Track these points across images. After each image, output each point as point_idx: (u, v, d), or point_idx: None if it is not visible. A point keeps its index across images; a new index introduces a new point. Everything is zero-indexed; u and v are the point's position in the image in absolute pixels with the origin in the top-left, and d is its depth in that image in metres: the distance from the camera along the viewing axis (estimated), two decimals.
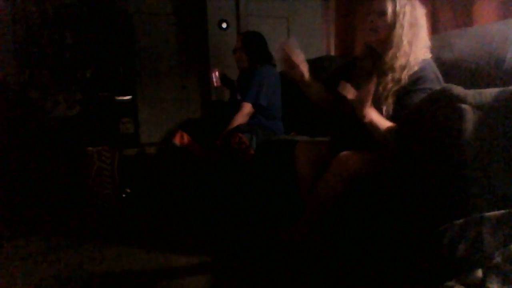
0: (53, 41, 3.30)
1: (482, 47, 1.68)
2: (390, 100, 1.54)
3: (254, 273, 1.62)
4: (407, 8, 1.56)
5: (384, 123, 1.49)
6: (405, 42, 1.56)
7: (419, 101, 1.37)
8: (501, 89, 1.15)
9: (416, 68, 1.54)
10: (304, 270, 1.60)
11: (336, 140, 1.74)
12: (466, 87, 1.19)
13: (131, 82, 3.42)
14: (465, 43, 1.77)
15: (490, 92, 1.14)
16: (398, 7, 1.58)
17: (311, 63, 2.97)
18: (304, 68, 1.71)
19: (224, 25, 3.41)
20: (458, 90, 1.16)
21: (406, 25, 1.56)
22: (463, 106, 1.12)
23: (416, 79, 1.52)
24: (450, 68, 1.71)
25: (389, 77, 1.55)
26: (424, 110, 1.28)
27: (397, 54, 1.56)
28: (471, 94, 1.14)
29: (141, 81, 3.45)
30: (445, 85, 1.26)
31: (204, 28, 3.41)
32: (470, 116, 1.11)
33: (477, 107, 1.12)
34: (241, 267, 1.68)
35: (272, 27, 3.53)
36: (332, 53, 3.52)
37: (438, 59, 1.65)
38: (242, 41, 2.65)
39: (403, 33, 1.56)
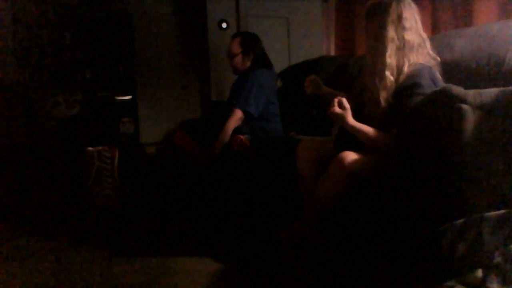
0: (53, 41, 3.30)
1: (482, 47, 1.68)
2: (385, 105, 1.53)
3: (254, 273, 1.62)
4: (376, 14, 1.56)
5: (366, 128, 1.54)
6: (372, 48, 1.58)
7: (419, 101, 1.37)
8: (501, 89, 1.16)
9: (405, 76, 1.52)
10: (304, 270, 1.60)
11: (338, 139, 1.74)
12: (466, 87, 1.19)
13: (131, 82, 3.41)
14: (465, 43, 1.77)
15: (490, 92, 1.15)
16: (366, 13, 1.61)
17: (311, 63, 2.99)
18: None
19: (224, 25, 3.41)
20: (458, 90, 1.16)
21: (371, 33, 1.59)
22: (463, 106, 1.12)
23: (411, 85, 1.49)
24: (450, 68, 1.71)
25: (376, 81, 1.55)
26: (424, 110, 1.28)
27: (372, 59, 1.59)
28: (471, 94, 1.14)
29: (141, 81, 3.45)
30: (445, 85, 1.26)
31: (204, 28, 3.41)
32: (470, 116, 1.11)
33: (477, 107, 1.12)
34: (242, 267, 1.68)
35: (272, 27, 3.53)
36: (332, 53, 3.52)
37: None
38: (241, 45, 2.53)
39: (368, 39, 1.61)
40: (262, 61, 2.54)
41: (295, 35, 3.62)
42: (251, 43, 2.54)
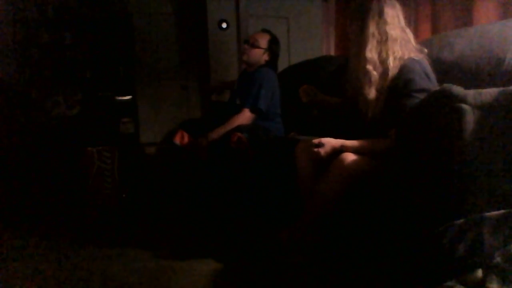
0: (53, 41, 3.30)
1: (482, 47, 1.68)
2: (379, 104, 1.53)
3: (254, 273, 1.62)
4: (358, 12, 1.59)
5: (358, 143, 1.56)
6: (355, 45, 1.59)
7: (419, 101, 1.37)
8: (501, 89, 1.15)
9: (395, 70, 1.52)
10: (304, 270, 1.60)
11: None
12: (466, 87, 1.19)
13: (131, 82, 3.41)
14: (465, 43, 1.77)
15: (490, 92, 1.14)
16: (350, 13, 1.64)
17: (311, 63, 2.99)
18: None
19: (224, 25, 3.41)
20: (458, 90, 1.16)
21: (353, 31, 1.61)
22: (463, 106, 1.12)
23: (406, 82, 1.49)
24: (450, 68, 1.71)
25: (360, 76, 1.56)
26: (424, 110, 1.28)
27: (355, 57, 1.60)
28: (471, 94, 1.14)
29: (141, 81, 3.45)
30: (445, 85, 1.26)
31: (204, 28, 3.41)
32: (470, 116, 1.11)
33: (477, 107, 1.12)
34: (241, 267, 1.68)
35: (272, 27, 3.53)
36: (332, 53, 3.52)
37: (438, 59, 1.65)
38: (269, 42, 2.59)
39: (351, 37, 1.63)
40: (273, 64, 2.63)
41: (295, 35, 3.63)
42: (276, 45, 2.64)
